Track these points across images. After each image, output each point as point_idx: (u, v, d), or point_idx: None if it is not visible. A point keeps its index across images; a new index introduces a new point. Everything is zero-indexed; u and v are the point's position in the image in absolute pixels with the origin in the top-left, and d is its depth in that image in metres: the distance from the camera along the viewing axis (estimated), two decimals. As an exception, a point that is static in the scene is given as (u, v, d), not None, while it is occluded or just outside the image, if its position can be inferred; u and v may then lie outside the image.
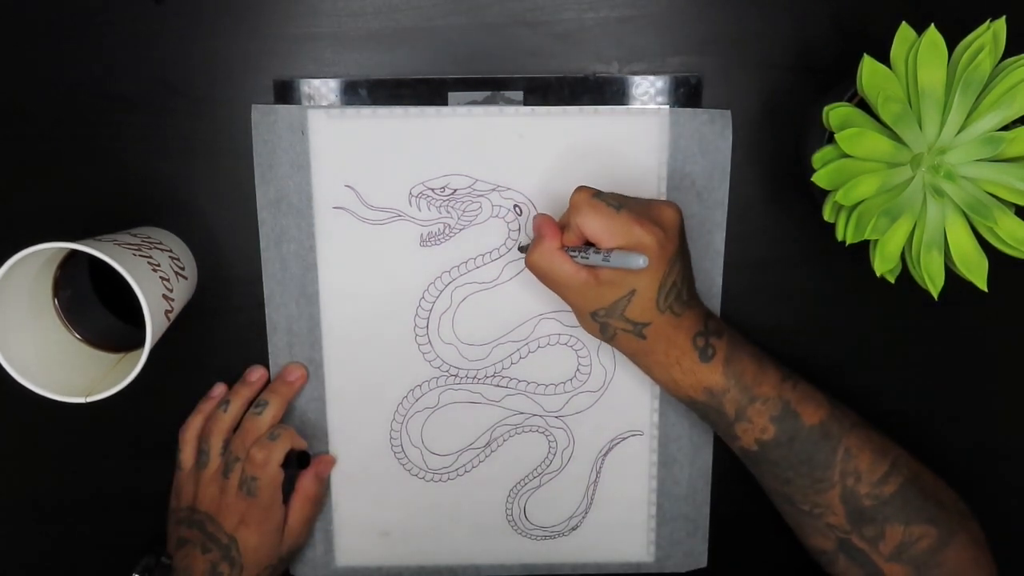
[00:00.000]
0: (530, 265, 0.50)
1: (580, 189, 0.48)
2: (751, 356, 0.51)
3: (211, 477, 0.56)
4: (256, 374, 0.58)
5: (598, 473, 0.61)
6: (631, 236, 0.47)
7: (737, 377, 0.50)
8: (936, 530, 0.50)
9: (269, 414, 0.56)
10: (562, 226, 0.50)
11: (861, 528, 0.51)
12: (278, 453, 0.55)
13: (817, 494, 0.51)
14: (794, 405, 0.51)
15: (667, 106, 0.55)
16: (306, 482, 0.58)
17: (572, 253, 0.48)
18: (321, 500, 0.60)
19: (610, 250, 0.46)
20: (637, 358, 0.52)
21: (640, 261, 0.45)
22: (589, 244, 0.48)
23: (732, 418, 0.51)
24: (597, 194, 0.48)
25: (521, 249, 0.56)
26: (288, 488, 0.57)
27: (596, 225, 0.47)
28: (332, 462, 0.60)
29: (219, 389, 0.58)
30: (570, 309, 0.52)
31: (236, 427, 0.57)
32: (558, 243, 0.49)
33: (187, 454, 0.57)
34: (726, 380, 0.50)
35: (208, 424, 0.57)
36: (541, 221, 0.50)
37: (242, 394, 0.57)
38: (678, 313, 0.49)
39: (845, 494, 0.51)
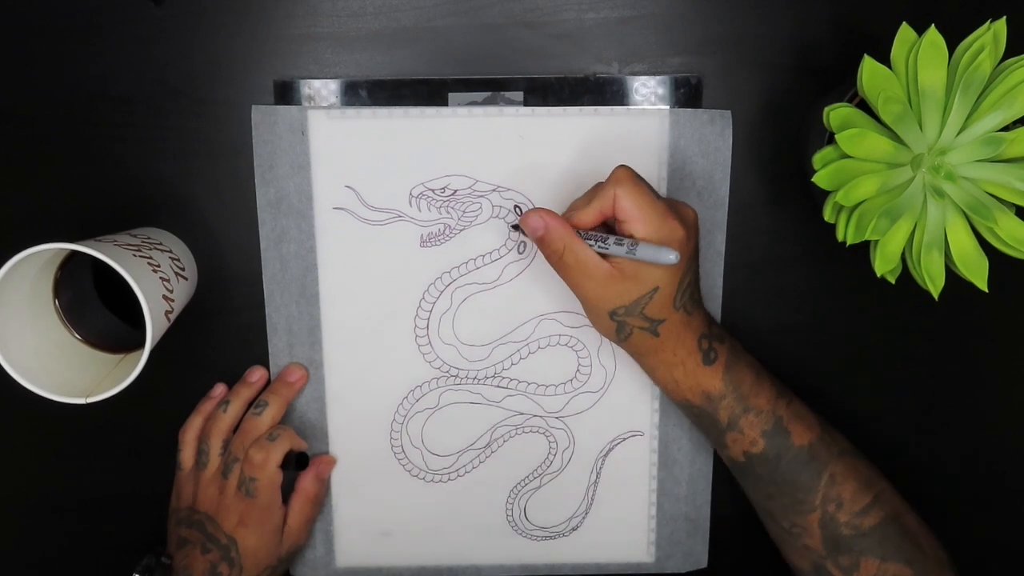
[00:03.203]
0: (547, 247, 0.47)
1: (622, 166, 0.47)
2: (749, 366, 0.51)
3: (210, 477, 0.56)
4: (256, 374, 0.58)
5: (598, 474, 0.61)
6: (664, 227, 0.46)
7: (735, 385, 0.50)
8: (912, 572, 0.50)
9: (269, 415, 0.56)
10: (576, 208, 0.48)
11: (837, 556, 0.50)
12: (277, 454, 0.55)
13: (797, 515, 0.51)
14: (786, 422, 0.51)
15: (667, 106, 0.55)
16: (306, 483, 0.58)
17: (588, 241, 0.46)
18: (321, 501, 0.60)
19: (636, 242, 0.45)
20: (645, 357, 0.51)
21: (672, 257, 0.43)
22: (605, 234, 0.46)
23: (724, 426, 0.51)
24: (639, 176, 0.47)
25: (515, 227, 0.55)
26: (288, 489, 0.57)
27: (634, 202, 0.45)
28: (332, 463, 0.60)
29: (219, 389, 0.58)
30: (570, 309, 0.52)
31: (236, 427, 0.57)
32: (570, 228, 0.46)
33: (187, 454, 0.57)
34: (724, 386, 0.50)
35: (208, 424, 0.57)
36: (542, 211, 0.47)
37: (242, 394, 0.57)
38: (690, 312, 0.49)
39: (824, 519, 0.50)
